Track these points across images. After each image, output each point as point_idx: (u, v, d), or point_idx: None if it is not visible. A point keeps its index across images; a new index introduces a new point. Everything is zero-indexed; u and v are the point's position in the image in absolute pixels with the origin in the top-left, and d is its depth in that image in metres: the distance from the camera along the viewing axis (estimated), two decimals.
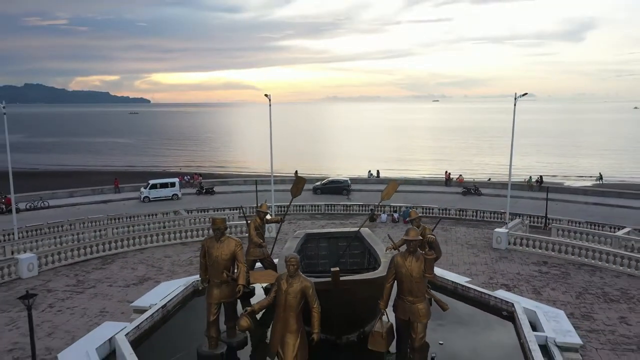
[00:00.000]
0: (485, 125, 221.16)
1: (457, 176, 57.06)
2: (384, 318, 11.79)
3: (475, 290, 16.75)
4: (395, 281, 11.57)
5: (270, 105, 34.12)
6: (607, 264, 24.46)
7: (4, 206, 43.03)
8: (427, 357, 12.19)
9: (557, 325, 14.60)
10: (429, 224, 16.43)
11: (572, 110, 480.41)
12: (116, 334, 13.63)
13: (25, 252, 27.49)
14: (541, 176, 56.84)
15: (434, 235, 11.99)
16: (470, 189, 51.71)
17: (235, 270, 12.90)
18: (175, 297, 16.31)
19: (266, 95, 33.88)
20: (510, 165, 32.13)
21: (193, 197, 50.51)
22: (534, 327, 14.51)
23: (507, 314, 15.21)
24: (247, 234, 17.05)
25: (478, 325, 15.00)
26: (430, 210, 40.99)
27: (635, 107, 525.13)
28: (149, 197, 48.21)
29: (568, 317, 16.40)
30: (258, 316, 13.82)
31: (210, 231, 13.78)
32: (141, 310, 15.97)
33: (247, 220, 17.41)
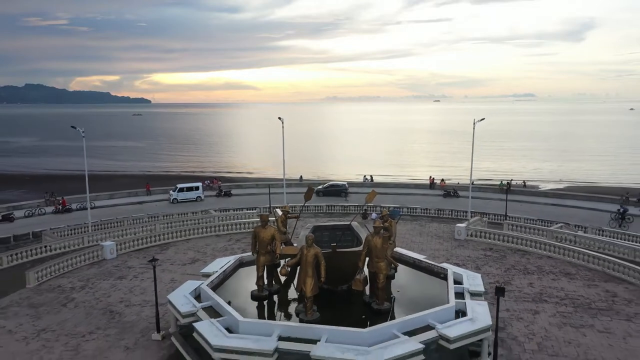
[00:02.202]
0: (480, 129, 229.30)
1: (440, 181, 65.55)
2: (363, 272, 20.38)
3: (426, 262, 25.47)
4: (368, 250, 20.20)
5: (283, 127, 42.65)
6: (534, 249, 33.10)
7: (60, 206, 51.62)
8: (388, 297, 20.89)
9: (473, 282, 23.15)
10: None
11: (570, 112, 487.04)
12: (199, 285, 22.29)
13: (97, 242, 36.11)
14: (509, 181, 65.46)
15: (388, 223, 20.72)
16: (450, 192, 60.23)
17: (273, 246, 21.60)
18: (229, 266, 25.00)
19: (279, 118, 42.39)
20: (471, 171, 40.64)
21: (213, 199, 59.04)
22: (460, 283, 23.07)
23: (443, 276, 23.81)
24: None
25: (425, 282, 23.68)
26: (414, 210, 49.36)
27: (631, 109, 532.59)
28: (177, 199, 56.77)
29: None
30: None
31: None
32: (207, 275, 24.51)
33: (275, 217, 25.97)
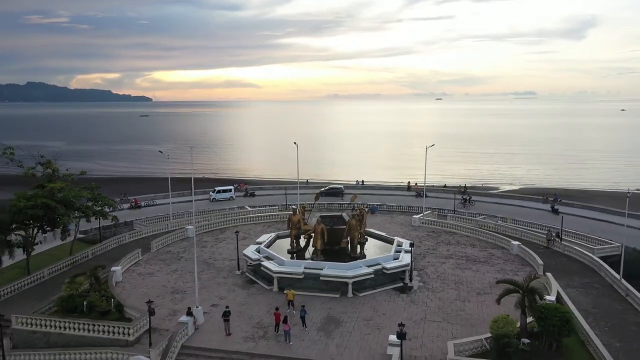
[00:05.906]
0: (476, 131, 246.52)
1: (414, 184, 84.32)
2: (346, 239, 39.50)
3: (385, 235, 44.76)
4: (348, 227, 39.32)
5: (297, 151, 61.38)
6: (459, 231, 52.15)
7: (133, 204, 70.54)
8: (360, 252, 40.14)
9: (407, 245, 42.01)
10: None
11: (565, 113, 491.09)
12: (258, 246, 41.35)
13: (172, 227, 54.89)
14: (466, 185, 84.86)
15: (360, 211, 39.96)
16: (420, 193, 79.00)
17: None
18: (271, 238, 44.12)
19: (295, 142, 61.20)
20: (425, 174, 59.43)
21: (242, 199, 77.79)
22: (400, 246, 41.96)
23: (392, 242, 42.78)
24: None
25: (382, 246, 42.80)
26: (391, 206, 67.95)
27: (622, 109, 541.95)
28: (215, 199, 75.55)
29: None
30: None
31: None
32: (259, 242, 43.37)
33: (297, 210, 44.86)
